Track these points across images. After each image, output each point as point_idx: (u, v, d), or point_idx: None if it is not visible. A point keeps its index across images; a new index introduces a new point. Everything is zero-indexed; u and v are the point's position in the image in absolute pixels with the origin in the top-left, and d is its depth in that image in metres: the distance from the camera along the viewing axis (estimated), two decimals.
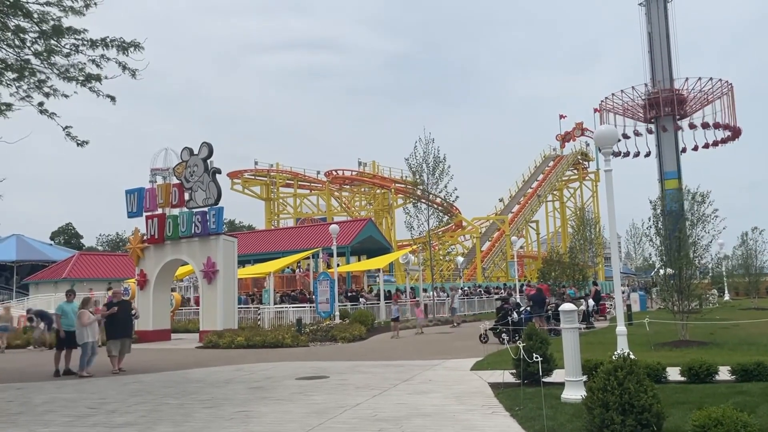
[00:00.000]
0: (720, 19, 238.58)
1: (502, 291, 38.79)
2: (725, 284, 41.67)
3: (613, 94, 63.45)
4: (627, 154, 66.59)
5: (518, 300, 26.18)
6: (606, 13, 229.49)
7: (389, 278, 44.24)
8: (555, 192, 71.87)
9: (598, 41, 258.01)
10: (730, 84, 61.58)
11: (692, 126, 62.34)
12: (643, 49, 61.90)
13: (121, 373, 13.80)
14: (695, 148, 63.29)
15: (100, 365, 14.06)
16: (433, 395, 9.58)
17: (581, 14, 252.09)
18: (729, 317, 22.53)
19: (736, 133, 63.51)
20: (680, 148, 61.27)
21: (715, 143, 63.66)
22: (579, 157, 74.19)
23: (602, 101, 65.50)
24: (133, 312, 15.21)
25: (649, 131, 63.88)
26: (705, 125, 62.08)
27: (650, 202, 16.75)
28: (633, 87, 61.88)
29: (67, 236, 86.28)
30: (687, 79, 60.71)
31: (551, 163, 71.52)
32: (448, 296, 35.87)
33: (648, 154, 64.65)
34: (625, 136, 64.76)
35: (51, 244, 65.31)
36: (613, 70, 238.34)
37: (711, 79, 60.45)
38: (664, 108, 59.43)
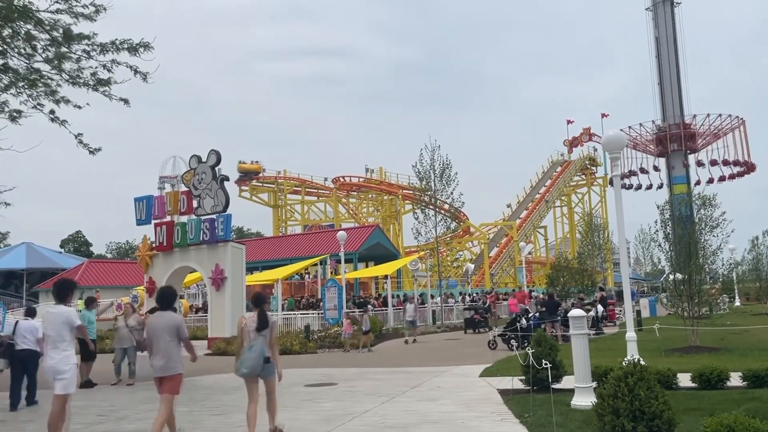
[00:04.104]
0: (727, 22, 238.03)
1: (477, 298, 35.86)
2: (736, 289, 41.33)
3: (621, 130, 62.69)
4: (639, 187, 65.95)
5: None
6: (613, 17, 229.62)
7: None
8: (563, 197, 71.61)
9: (605, 45, 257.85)
10: (742, 119, 60.67)
11: (700, 164, 61.49)
12: (651, 53, 61.86)
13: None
14: (710, 181, 61.77)
15: (111, 374, 13.96)
16: (442, 402, 9.55)
17: (588, 18, 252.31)
18: (740, 323, 22.32)
19: (750, 168, 62.39)
20: (693, 181, 60.24)
21: (732, 176, 62.57)
22: (587, 162, 73.95)
23: None
24: None
25: (656, 168, 63.57)
26: (713, 163, 61.26)
27: (657, 207, 16.67)
28: (641, 124, 61.35)
29: (77, 244, 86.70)
30: (695, 116, 60.12)
31: (559, 169, 71.33)
32: (456, 302, 35.77)
33: (660, 186, 63.79)
34: (632, 173, 64.43)
35: (61, 252, 65.57)
36: (621, 75, 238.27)
37: (720, 115, 59.58)
38: (673, 143, 58.88)
